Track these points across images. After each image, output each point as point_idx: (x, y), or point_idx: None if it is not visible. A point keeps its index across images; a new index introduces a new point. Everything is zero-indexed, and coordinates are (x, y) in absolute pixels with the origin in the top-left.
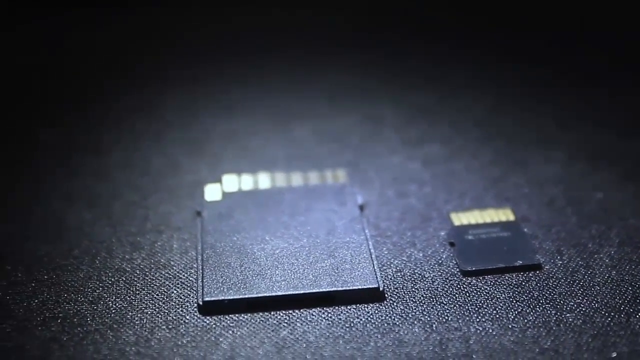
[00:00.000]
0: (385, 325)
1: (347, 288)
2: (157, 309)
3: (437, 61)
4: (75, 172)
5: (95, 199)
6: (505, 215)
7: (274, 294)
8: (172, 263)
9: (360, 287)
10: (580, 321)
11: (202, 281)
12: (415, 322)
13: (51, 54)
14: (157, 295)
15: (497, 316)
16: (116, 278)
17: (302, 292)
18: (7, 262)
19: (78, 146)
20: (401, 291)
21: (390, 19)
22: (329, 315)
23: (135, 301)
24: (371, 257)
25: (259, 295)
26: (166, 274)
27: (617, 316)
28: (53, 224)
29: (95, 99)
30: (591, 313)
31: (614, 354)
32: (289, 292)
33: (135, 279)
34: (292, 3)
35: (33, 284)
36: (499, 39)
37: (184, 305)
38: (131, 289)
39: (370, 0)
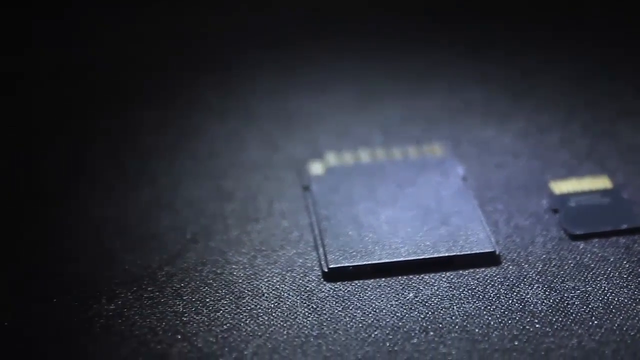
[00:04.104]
0: (505, 286)
1: (465, 253)
2: (282, 278)
3: (519, 36)
4: (178, 151)
5: (201, 177)
6: (603, 183)
7: (395, 259)
8: (288, 235)
9: (477, 251)
10: None
11: (325, 249)
12: (533, 283)
13: (130, 42)
14: (280, 264)
15: (611, 275)
16: (236, 250)
17: (422, 257)
18: (128, 238)
19: (178, 127)
20: (514, 255)
21: (478, 10)
22: (449, 278)
23: (259, 271)
24: (483, 224)
25: (382, 261)
26: (284, 245)
27: None
28: (166, 200)
29: (189, 81)
30: None
31: None
32: (410, 258)
33: (256, 250)
34: None
35: (156, 258)
36: (579, 14)
37: (307, 273)
38: (253, 260)
39: None
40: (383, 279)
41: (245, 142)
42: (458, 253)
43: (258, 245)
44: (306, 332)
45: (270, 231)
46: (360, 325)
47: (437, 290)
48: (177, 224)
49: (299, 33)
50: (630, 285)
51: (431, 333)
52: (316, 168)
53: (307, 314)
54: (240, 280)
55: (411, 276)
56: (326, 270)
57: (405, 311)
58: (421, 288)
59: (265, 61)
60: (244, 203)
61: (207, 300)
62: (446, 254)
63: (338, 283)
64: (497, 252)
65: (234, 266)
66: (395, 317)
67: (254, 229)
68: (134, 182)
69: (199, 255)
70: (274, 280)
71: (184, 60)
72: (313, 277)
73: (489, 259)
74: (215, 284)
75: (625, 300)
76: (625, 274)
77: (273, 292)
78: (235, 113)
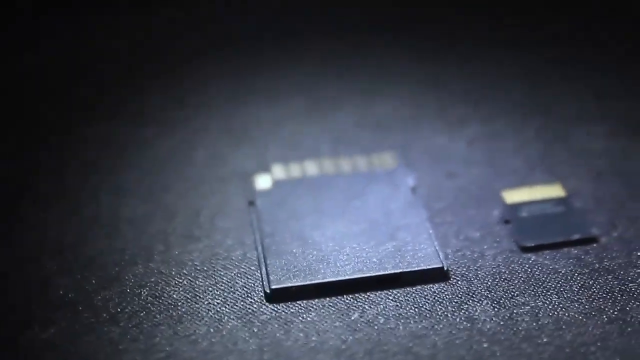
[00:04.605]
0: (454, 303)
1: (413, 269)
2: (223, 300)
3: (471, 42)
4: (122, 166)
5: (144, 193)
6: (555, 191)
7: (340, 278)
8: (231, 254)
9: (425, 267)
10: None
11: (267, 269)
12: (483, 299)
13: (75, 51)
14: (221, 285)
15: (562, 289)
16: (177, 271)
17: (368, 275)
18: (65, 259)
19: (122, 140)
20: (464, 270)
21: (427, 9)
22: (396, 296)
23: (200, 293)
24: (432, 238)
25: (326, 280)
26: (227, 265)
27: None
28: (106, 219)
29: (134, 91)
30: None
31: None
32: (355, 276)
33: (197, 271)
34: None
35: (93, 281)
36: (534, 16)
37: (249, 295)
38: (194, 281)
39: None
40: (328, 299)
41: (190, 155)
42: (405, 270)
43: (199, 266)
44: (247, 357)
45: (212, 250)
46: (303, 349)
47: (383, 309)
48: (116, 244)
49: (244, 42)
50: (581, 299)
51: (376, 356)
52: (262, 181)
53: (248, 338)
54: (179, 304)
55: (357, 295)
56: (268, 291)
57: (350, 333)
58: (367, 307)
59: (211, 71)
60: (186, 220)
61: (145, 325)
62: (393, 271)
63: (281, 304)
64: (446, 268)
65: (173, 288)
66: (339, 339)
67: (195, 248)
68: (74, 200)
69: (137, 277)
70: (215, 303)
71: (126, 70)
72: (255, 299)
73: (437, 275)
74: (153, 308)
75: (576, 315)
76: (576, 288)
77: (213, 315)
78: (180, 125)
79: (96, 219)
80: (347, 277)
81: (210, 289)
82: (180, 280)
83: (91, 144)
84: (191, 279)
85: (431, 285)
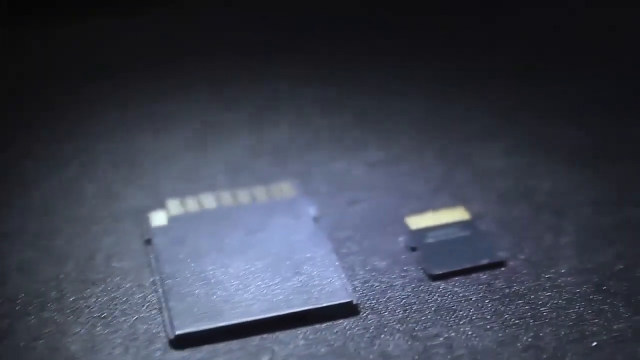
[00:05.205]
0: (366, 338)
1: (321, 305)
2: (125, 349)
3: (365, 63)
4: (5, 207)
5: (33, 236)
6: (460, 214)
7: (247, 319)
8: (130, 298)
9: (334, 302)
10: (555, 314)
11: (170, 314)
12: (395, 333)
13: None
14: (122, 333)
15: (474, 318)
16: (73, 319)
17: (275, 314)
18: None
19: (4, 179)
20: (373, 302)
21: (317, 27)
22: (306, 334)
23: (100, 343)
24: (338, 270)
25: (232, 322)
26: (126, 310)
27: (588, 305)
28: None
29: (14, 126)
30: (564, 304)
31: (595, 343)
32: (263, 316)
33: (95, 318)
34: (218, 9)
35: None
36: (431, 34)
37: (153, 341)
38: (93, 329)
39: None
40: (235, 341)
41: (81, 193)
42: (313, 306)
43: (97, 312)
44: None
45: (110, 295)
46: None
47: (293, 349)
48: (6, 293)
49: (129, 70)
50: (494, 327)
51: None
52: (158, 218)
53: None
54: (79, 355)
55: (265, 336)
56: (172, 337)
57: None
58: (276, 349)
59: (96, 102)
60: (80, 264)
61: None
62: (300, 309)
63: (186, 350)
64: (355, 302)
65: (71, 339)
66: None
67: (92, 293)
68: None
69: (31, 329)
70: (116, 353)
71: (8, 102)
72: (159, 345)
73: (346, 310)
74: None
75: (490, 344)
76: (488, 315)
77: None
78: (66, 160)
79: None
80: (254, 318)
81: (110, 337)
82: (78, 330)
83: None
84: (89, 328)
85: (341, 321)
